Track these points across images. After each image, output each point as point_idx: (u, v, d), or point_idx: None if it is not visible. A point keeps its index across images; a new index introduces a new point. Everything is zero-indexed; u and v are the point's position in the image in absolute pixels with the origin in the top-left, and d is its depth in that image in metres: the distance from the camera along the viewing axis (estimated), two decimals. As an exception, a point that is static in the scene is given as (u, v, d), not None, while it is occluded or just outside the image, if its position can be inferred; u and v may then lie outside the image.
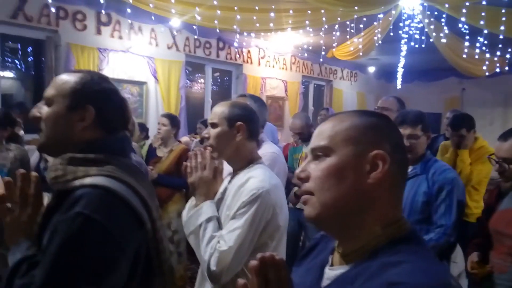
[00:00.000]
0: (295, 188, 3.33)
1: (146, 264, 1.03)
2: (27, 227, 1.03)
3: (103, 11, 4.77)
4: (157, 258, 1.05)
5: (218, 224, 1.45)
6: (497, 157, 1.94)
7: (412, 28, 5.16)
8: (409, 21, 5.02)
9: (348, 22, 5.13)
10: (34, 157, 3.25)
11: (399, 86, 7.87)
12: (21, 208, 1.04)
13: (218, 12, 4.49)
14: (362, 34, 5.69)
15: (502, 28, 4.64)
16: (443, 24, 4.95)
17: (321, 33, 5.66)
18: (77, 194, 0.94)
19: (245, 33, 5.95)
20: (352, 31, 5.35)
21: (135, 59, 5.37)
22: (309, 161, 0.80)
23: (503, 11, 4.45)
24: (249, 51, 6.98)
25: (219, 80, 7.40)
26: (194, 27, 5.12)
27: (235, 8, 4.52)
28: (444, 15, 4.76)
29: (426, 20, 4.93)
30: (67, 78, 1.08)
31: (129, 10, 4.55)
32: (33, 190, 1.05)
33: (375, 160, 0.74)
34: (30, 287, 0.91)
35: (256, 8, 4.60)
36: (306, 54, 7.59)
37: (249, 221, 1.37)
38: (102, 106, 1.07)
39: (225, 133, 1.52)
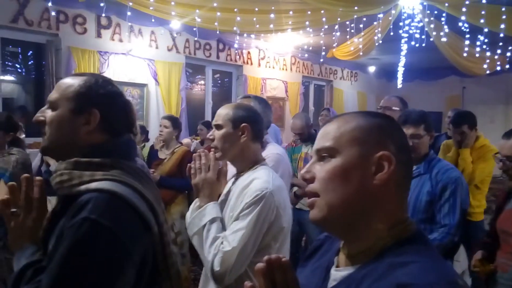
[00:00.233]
0: (295, 188, 3.32)
1: (153, 268, 1.02)
2: (32, 232, 1.03)
3: (103, 14, 4.77)
4: (164, 262, 1.04)
5: (222, 225, 1.44)
6: (501, 155, 1.94)
7: (412, 27, 5.15)
8: (409, 20, 5.02)
9: (348, 22, 5.13)
10: (35, 160, 3.25)
11: (399, 86, 7.87)
12: (26, 213, 1.03)
13: (218, 13, 4.49)
14: (362, 34, 5.69)
15: (502, 26, 4.64)
16: (443, 23, 4.95)
17: (321, 34, 5.67)
18: (83, 199, 0.93)
19: (245, 34, 5.95)
20: (352, 31, 5.35)
21: (136, 61, 5.38)
22: (314, 162, 0.80)
23: (503, 9, 4.45)
24: (249, 52, 6.99)
25: (219, 82, 7.40)
26: (194, 29, 5.13)
27: (235, 9, 4.53)
28: (444, 14, 4.76)
29: (426, 19, 4.93)
30: (71, 82, 1.06)
31: (129, 13, 4.55)
32: (37, 194, 1.04)
33: (380, 161, 0.74)
34: None
35: (256, 9, 4.61)
36: (306, 55, 7.59)
37: (252, 222, 1.37)
38: (107, 109, 1.05)
39: (230, 134, 1.52)
